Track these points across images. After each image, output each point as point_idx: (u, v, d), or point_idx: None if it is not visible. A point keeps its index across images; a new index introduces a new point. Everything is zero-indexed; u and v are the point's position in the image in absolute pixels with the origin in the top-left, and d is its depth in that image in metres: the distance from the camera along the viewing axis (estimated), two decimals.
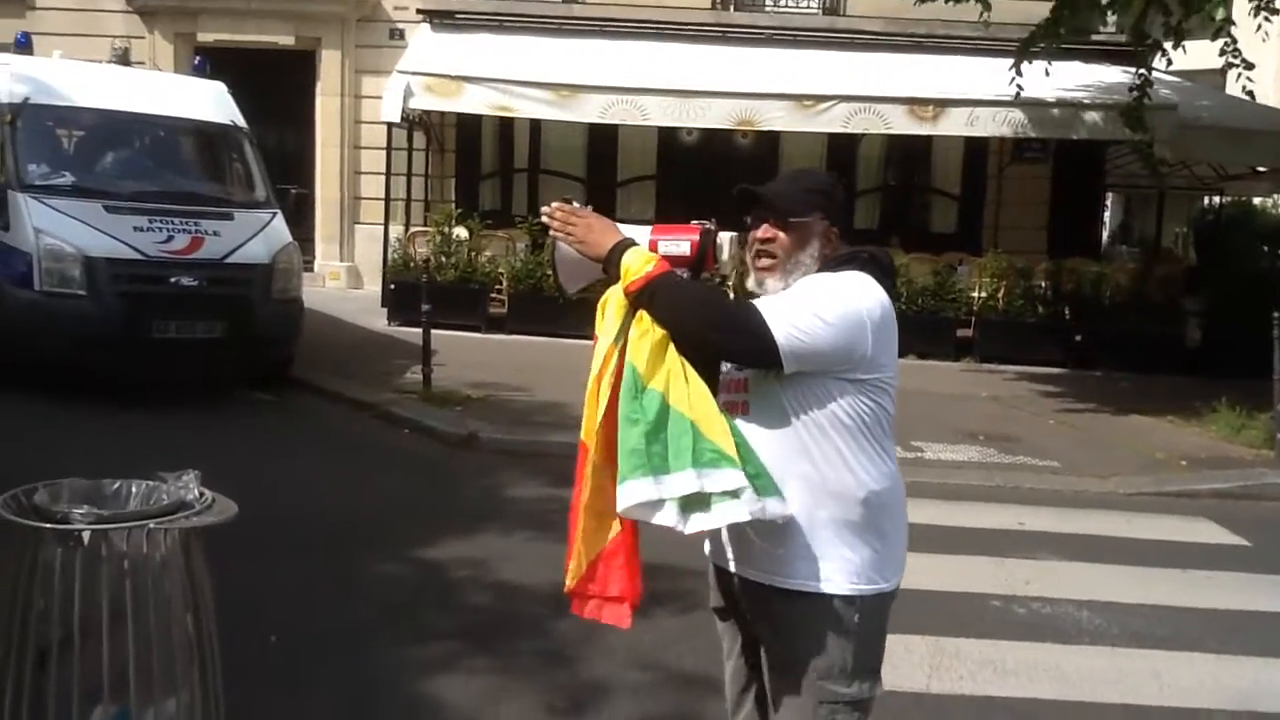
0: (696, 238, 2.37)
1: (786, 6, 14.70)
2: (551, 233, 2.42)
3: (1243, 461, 7.91)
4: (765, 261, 2.40)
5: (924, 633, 4.53)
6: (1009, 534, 6.18)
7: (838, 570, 2.29)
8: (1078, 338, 12.09)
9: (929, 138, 13.54)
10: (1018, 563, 5.65)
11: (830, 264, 2.36)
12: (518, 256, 12.35)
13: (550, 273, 2.81)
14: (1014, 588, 5.28)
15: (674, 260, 2.35)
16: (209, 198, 8.59)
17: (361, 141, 14.43)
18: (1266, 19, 10.77)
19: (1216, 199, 21.98)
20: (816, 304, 2.24)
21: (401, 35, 14.14)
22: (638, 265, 2.27)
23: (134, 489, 2.69)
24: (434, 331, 8.79)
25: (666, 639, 4.34)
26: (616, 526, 2.33)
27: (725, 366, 2.42)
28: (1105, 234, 19.66)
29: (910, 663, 4.32)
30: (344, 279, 14.50)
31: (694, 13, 13.98)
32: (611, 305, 2.34)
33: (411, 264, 12.19)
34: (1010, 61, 10.44)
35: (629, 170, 14.81)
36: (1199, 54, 10.50)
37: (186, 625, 2.54)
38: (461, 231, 12.31)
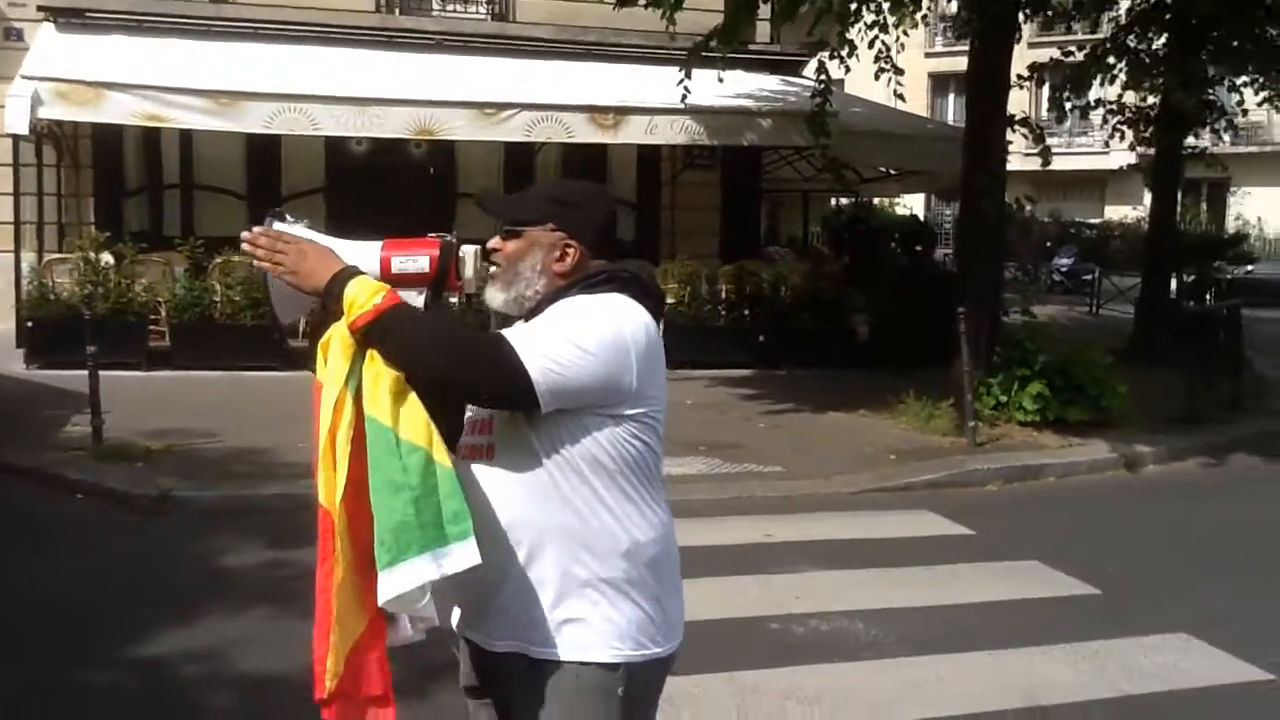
0: (436, 252, 2.09)
1: (453, 11, 14.27)
2: (255, 264, 2.04)
3: (942, 450, 8.38)
4: (492, 270, 2.16)
5: (714, 669, 4.32)
6: (761, 547, 6.15)
7: (599, 635, 2.04)
8: (761, 338, 12.53)
9: (604, 146, 13.59)
10: (780, 578, 5.62)
11: (584, 285, 2.09)
12: (178, 283, 11.14)
13: (265, 308, 2.37)
14: (785, 605, 5.22)
15: (412, 279, 2.07)
16: None
17: None
18: (905, 34, 11.68)
19: (842, 200, 23.95)
20: (572, 331, 1.98)
21: (20, 36, 12.32)
22: (364, 297, 1.94)
23: None
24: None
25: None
26: (367, 612, 1.97)
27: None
28: None
29: (715, 706, 4.11)
30: None
31: (357, 16, 13.20)
32: (335, 346, 1.99)
33: (52, 297, 10.72)
34: (679, 69, 10.52)
35: (295, 184, 13.77)
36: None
37: None
38: (109, 257, 10.94)
